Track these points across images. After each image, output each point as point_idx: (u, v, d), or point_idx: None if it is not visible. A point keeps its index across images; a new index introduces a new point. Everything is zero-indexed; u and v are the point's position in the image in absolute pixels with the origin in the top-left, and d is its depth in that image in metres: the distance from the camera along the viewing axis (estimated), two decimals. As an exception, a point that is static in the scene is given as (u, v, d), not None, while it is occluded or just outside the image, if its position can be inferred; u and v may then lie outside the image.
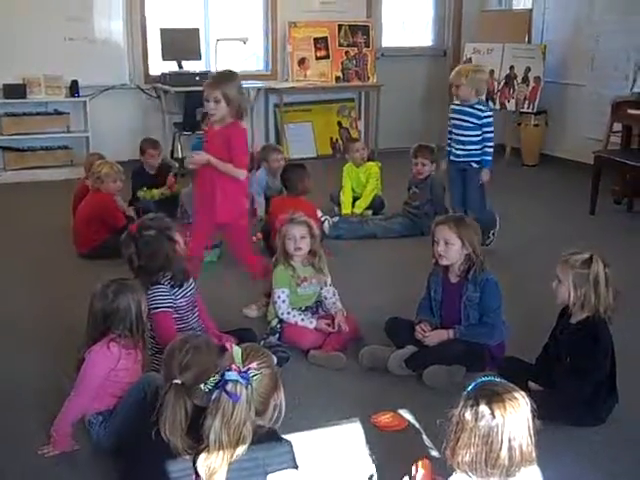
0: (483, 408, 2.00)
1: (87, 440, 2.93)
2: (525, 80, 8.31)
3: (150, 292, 3.31)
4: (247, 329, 3.76)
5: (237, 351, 2.29)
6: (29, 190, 7.10)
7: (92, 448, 2.92)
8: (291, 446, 2.37)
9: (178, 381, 2.37)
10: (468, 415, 2.02)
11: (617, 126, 7.14)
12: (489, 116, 5.45)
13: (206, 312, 3.66)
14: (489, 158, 5.43)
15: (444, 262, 3.59)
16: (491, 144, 5.45)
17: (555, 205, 6.81)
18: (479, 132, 5.37)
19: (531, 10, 8.61)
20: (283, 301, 3.87)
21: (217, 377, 2.22)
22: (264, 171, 6.17)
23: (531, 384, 3.17)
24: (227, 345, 2.36)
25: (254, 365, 2.25)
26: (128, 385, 2.93)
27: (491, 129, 5.43)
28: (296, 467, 2.34)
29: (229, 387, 2.19)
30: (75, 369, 2.99)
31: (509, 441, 1.98)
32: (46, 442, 2.91)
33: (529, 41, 8.54)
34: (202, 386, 2.23)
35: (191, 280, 3.56)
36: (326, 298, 3.99)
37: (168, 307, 3.38)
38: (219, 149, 4.36)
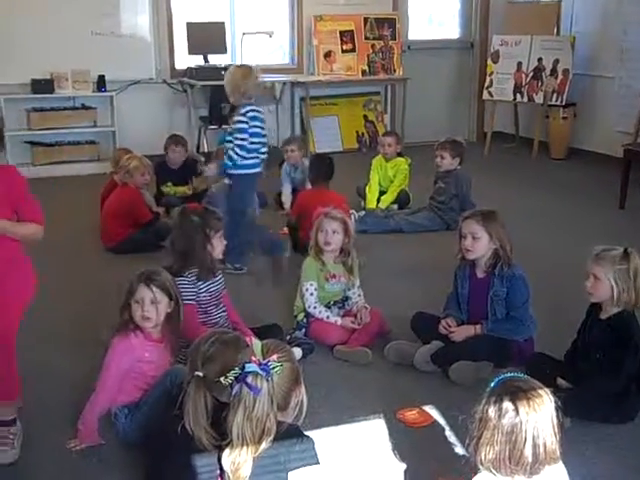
0: (507, 405, 1.98)
1: (113, 434, 2.95)
2: (553, 72, 8.21)
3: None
4: (273, 324, 3.77)
5: (257, 345, 2.30)
6: (56, 185, 7.14)
7: (118, 442, 2.93)
8: (313, 443, 2.36)
9: (200, 373, 2.37)
10: (491, 412, 1.99)
11: (647, 119, 7.05)
12: None
13: (233, 308, 3.66)
14: None
15: (471, 256, 3.56)
16: None
17: (584, 199, 6.73)
18: None
19: (560, 1, 8.48)
20: (311, 294, 3.87)
21: (237, 370, 2.21)
22: (287, 163, 6.30)
23: (560, 380, 3.14)
24: (247, 340, 2.36)
25: (274, 357, 2.25)
26: (154, 378, 2.94)
27: None
28: (318, 464, 2.33)
29: (249, 380, 2.18)
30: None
31: (533, 438, 1.96)
32: (73, 436, 2.93)
33: (557, 33, 8.43)
34: (222, 379, 2.23)
35: (219, 276, 3.57)
36: (351, 298, 3.98)
37: (190, 299, 3.39)
38: None
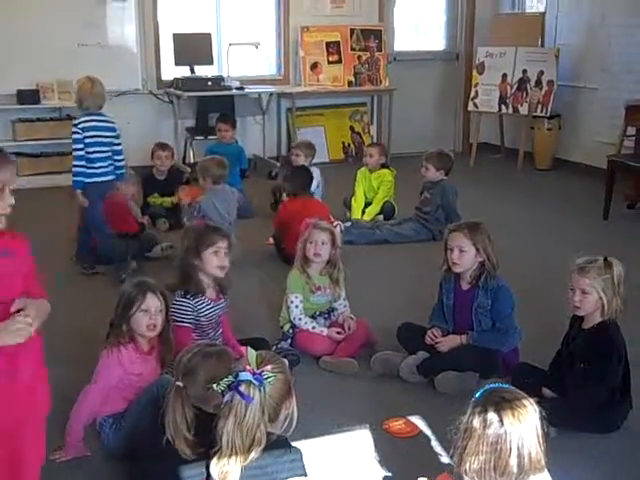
0: (491, 415, 1.99)
1: (99, 447, 2.93)
2: (538, 84, 8.27)
3: (174, 305, 3.30)
4: (260, 338, 3.74)
5: (252, 354, 2.30)
6: (42, 196, 7.10)
7: (104, 454, 2.92)
8: (301, 454, 2.36)
9: (180, 384, 2.37)
10: (476, 422, 2.00)
11: (631, 130, 7.10)
12: None
13: (229, 327, 3.62)
14: None
15: (458, 269, 3.56)
16: None
17: (568, 210, 6.77)
18: None
19: (544, 13, 8.57)
20: (296, 306, 3.87)
21: (230, 378, 2.21)
22: None
23: (545, 391, 3.16)
24: (242, 350, 2.36)
25: (268, 368, 2.25)
26: (141, 389, 2.92)
27: None
28: (305, 475, 2.33)
29: (242, 388, 2.19)
30: None
31: (518, 448, 1.97)
32: (59, 448, 2.90)
33: (542, 44, 8.50)
34: (215, 386, 2.23)
35: (221, 301, 3.50)
36: (336, 309, 3.98)
37: (189, 323, 3.36)
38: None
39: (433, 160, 5.82)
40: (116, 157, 5.04)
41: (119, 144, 5.06)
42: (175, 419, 2.34)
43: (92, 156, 4.90)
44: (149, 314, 2.97)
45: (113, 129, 5.02)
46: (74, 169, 4.91)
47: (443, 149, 6.05)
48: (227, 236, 3.48)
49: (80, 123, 4.90)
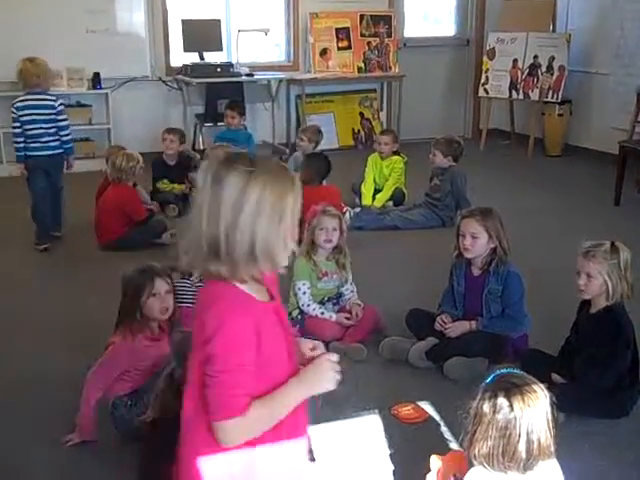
0: (501, 400, 1.98)
1: (107, 431, 2.94)
2: (549, 69, 8.21)
3: (175, 287, 3.30)
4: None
5: None
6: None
7: (114, 439, 2.92)
8: (309, 439, 2.35)
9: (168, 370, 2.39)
10: (486, 407, 2.00)
11: (643, 115, 7.05)
12: None
13: None
14: None
15: (470, 255, 3.56)
16: None
17: (579, 196, 6.73)
18: None
19: (555, -2, 8.51)
20: (304, 293, 3.87)
21: None
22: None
23: (554, 376, 3.15)
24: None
25: None
26: (152, 372, 2.91)
27: None
28: (314, 460, 2.32)
29: None
30: None
31: (527, 434, 1.96)
32: (70, 431, 2.91)
33: (553, 30, 8.44)
34: None
35: None
36: (344, 295, 3.98)
37: (192, 303, 3.37)
38: None
39: (441, 146, 5.79)
40: (61, 132, 5.32)
41: (63, 119, 5.33)
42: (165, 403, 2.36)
43: (30, 132, 5.20)
44: (160, 298, 2.99)
45: (52, 107, 5.26)
46: (14, 145, 5.28)
47: (452, 135, 6.03)
48: None
49: (15, 103, 5.24)
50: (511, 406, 1.97)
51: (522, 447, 1.97)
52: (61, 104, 5.35)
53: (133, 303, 2.98)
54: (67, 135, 5.37)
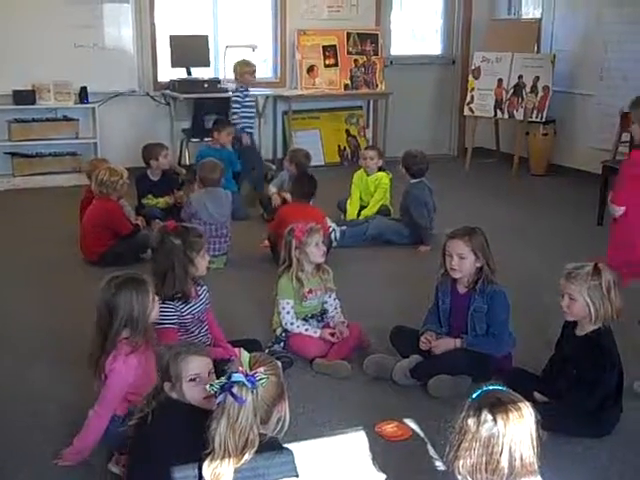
0: (486, 415, 2.00)
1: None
2: (534, 89, 8.29)
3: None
4: (253, 340, 3.74)
5: (245, 356, 2.31)
6: (37, 196, 7.11)
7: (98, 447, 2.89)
8: (292, 455, 2.36)
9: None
10: (470, 421, 2.02)
11: (625, 136, 7.08)
12: None
13: (215, 324, 3.63)
14: None
15: (457, 275, 3.56)
16: None
17: (563, 215, 6.78)
18: None
19: (540, 19, 8.59)
20: (287, 312, 3.86)
21: (223, 379, 2.21)
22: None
23: (537, 395, 3.16)
24: (235, 351, 2.37)
25: (261, 370, 2.25)
26: (147, 387, 2.87)
27: None
28: (297, 477, 2.33)
29: (235, 390, 2.19)
30: (96, 377, 2.93)
31: (510, 450, 1.98)
32: (56, 456, 2.87)
33: (538, 50, 8.53)
34: (207, 387, 2.24)
35: (203, 295, 3.53)
36: (328, 311, 3.98)
37: (173, 324, 3.38)
38: None
39: (402, 161, 5.85)
40: None
41: None
42: None
43: None
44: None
45: None
46: None
47: (412, 149, 5.99)
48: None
49: None
50: (495, 420, 1.99)
51: (505, 462, 1.98)
52: None
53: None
54: None
